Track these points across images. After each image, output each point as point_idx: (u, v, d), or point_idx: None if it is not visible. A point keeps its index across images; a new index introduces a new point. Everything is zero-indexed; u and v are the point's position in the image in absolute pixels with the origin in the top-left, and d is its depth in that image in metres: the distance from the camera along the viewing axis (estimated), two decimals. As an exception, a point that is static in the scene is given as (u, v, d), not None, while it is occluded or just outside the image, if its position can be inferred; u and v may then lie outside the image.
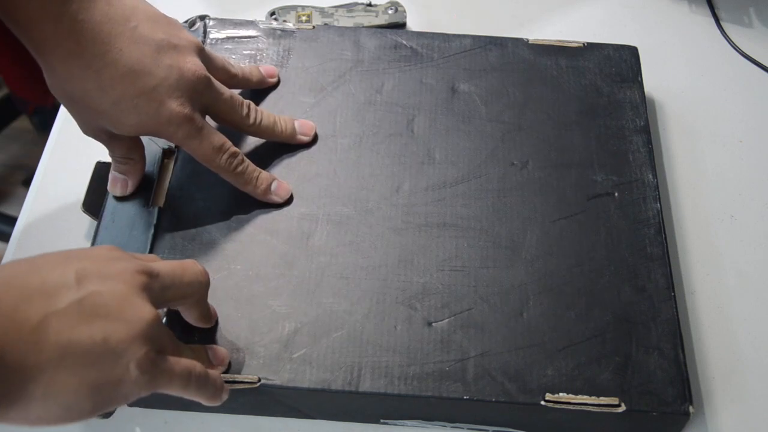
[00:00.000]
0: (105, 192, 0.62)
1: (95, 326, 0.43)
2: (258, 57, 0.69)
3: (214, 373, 0.50)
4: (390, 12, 0.77)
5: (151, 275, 0.47)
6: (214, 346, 0.54)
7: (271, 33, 0.71)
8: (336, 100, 0.67)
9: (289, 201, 0.61)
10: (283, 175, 0.63)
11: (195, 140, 0.58)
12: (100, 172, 0.63)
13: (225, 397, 0.51)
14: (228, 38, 0.70)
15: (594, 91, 0.68)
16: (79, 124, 0.58)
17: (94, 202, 0.61)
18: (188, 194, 0.62)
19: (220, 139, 0.59)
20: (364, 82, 0.68)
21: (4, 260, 0.63)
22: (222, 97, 0.60)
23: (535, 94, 0.68)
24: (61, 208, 0.66)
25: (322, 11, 0.77)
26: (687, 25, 0.81)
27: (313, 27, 0.71)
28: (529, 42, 0.71)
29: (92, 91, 0.54)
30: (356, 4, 0.78)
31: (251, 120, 0.62)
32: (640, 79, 0.69)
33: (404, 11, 0.77)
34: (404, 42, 0.71)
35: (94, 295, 0.43)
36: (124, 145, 0.60)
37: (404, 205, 0.61)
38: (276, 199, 0.61)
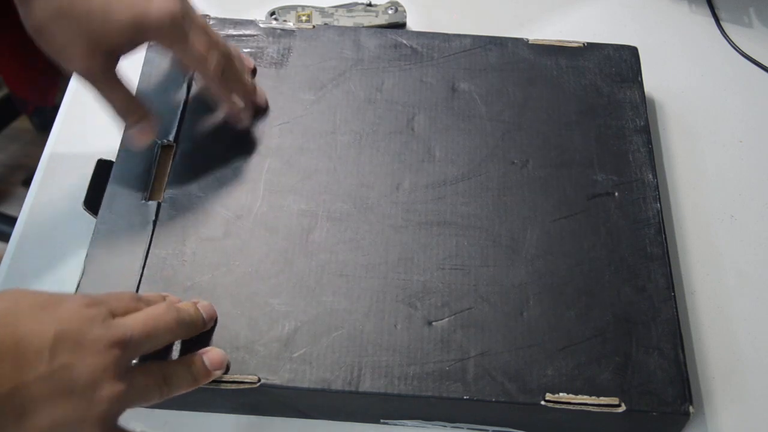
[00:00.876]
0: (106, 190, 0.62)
1: (58, 405, 0.43)
2: (258, 55, 0.69)
3: (195, 364, 0.51)
4: (390, 12, 0.77)
5: (125, 347, 0.46)
6: (211, 349, 0.53)
7: (271, 32, 0.71)
8: (336, 97, 0.67)
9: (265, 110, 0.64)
10: (283, 171, 0.63)
11: (184, 37, 0.57)
12: (102, 169, 0.63)
13: (212, 374, 0.52)
14: (228, 36, 0.70)
15: (594, 91, 0.68)
16: (67, 54, 0.56)
17: (95, 199, 0.61)
18: (187, 189, 0.61)
19: (208, 39, 0.59)
20: (364, 81, 0.68)
21: (4, 260, 0.64)
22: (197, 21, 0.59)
23: (535, 93, 0.68)
24: (61, 208, 0.66)
25: (322, 11, 0.77)
26: (687, 25, 0.81)
27: (313, 27, 0.71)
28: (529, 42, 0.71)
29: None
30: (356, 4, 0.78)
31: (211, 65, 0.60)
32: (640, 79, 0.69)
33: (404, 11, 0.77)
34: (404, 41, 0.71)
35: (63, 368, 0.43)
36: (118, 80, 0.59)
37: (404, 203, 0.61)
38: (259, 101, 0.64)
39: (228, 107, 0.63)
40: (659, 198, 0.62)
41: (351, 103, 0.67)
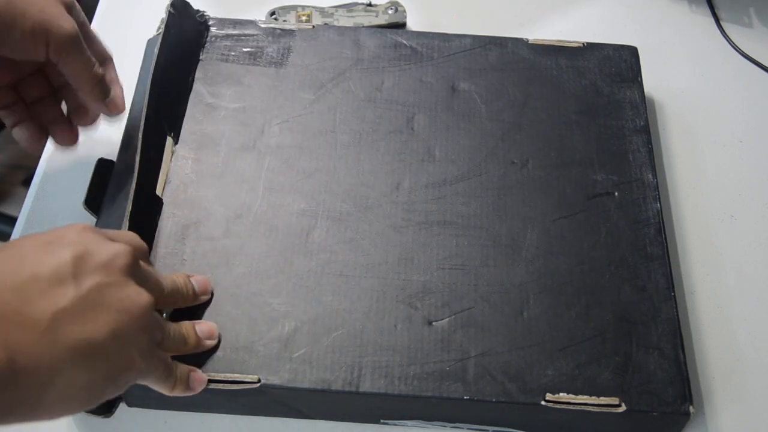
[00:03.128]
0: (106, 189, 0.61)
1: (101, 320, 0.44)
2: (258, 55, 0.69)
3: (180, 366, 0.51)
4: (390, 12, 0.77)
5: (135, 256, 0.48)
6: (202, 321, 0.55)
7: (271, 32, 0.71)
8: (336, 96, 0.67)
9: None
10: (282, 170, 0.63)
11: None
12: (102, 169, 0.63)
13: (195, 389, 0.52)
14: (228, 36, 0.70)
15: (594, 91, 0.68)
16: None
17: (96, 199, 0.61)
18: (187, 188, 0.61)
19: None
20: (364, 80, 0.68)
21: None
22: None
23: (535, 93, 0.68)
24: (61, 208, 0.66)
25: (322, 11, 0.76)
26: (687, 25, 0.81)
27: (313, 27, 0.71)
28: (529, 42, 0.71)
29: None
30: (356, 4, 0.78)
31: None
32: (639, 79, 0.69)
33: (404, 11, 0.77)
34: (404, 41, 0.71)
35: (94, 288, 0.44)
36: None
37: (404, 203, 0.61)
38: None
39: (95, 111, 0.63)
40: (659, 198, 0.62)
41: (351, 102, 0.67)
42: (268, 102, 0.66)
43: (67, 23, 0.55)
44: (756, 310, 0.63)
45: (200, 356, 0.54)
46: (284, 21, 0.75)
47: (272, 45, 0.70)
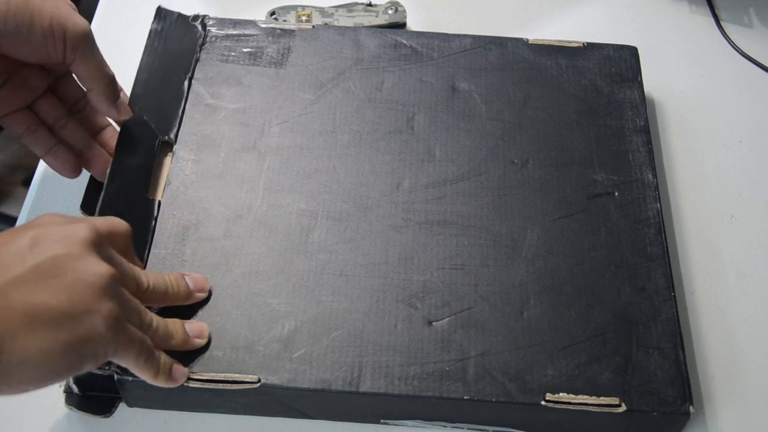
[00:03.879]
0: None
1: (56, 287, 0.44)
2: (258, 54, 0.69)
3: (163, 355, 0.51)
4: (390, 12, 0.77)
5: (98, 233, 0.48)
6: (193, 321, 0.55)
7: (270, 32, 0.71)
8: (336, 96, 0.67)
9: None
10: (282, 170, 0.63)
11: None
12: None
13: (177, 380, 0.52)
14: (227, 36, 0.70)
15: (594, 91, 0.68)
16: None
17: (93, 202, 0.61)
18: (186, 189, 0.61)
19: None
20: (364, 80, 0.68)
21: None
22: None
23: (535, 93, 0.68)
24: (61, 209, 0.66)
25: (322, 11, 0.76)
26: (687, 25, 0.81)
27: (313, 27, 0.71)
28: (529, 42, 0.71)
29: None
30: (356, 4, 0.78)
31: None
32: (639, 79, 0.69)
33: (404, 11, 0.77)
34: (404, 41, 0.71)
35: (49, 258, 0.44)
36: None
37: (404, 203, 0.61)
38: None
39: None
40: (659, 198, 0.62)
41: (351, 102, 0.67)
42: (268, 102, 0.66)
43: (80, 20, 0.56)
44: (756, 310, 0.63)
45: (199, 356, 0.54)
46: (284, 21, 0.75)
47: (272, 45, 0.70)
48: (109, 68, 0.59)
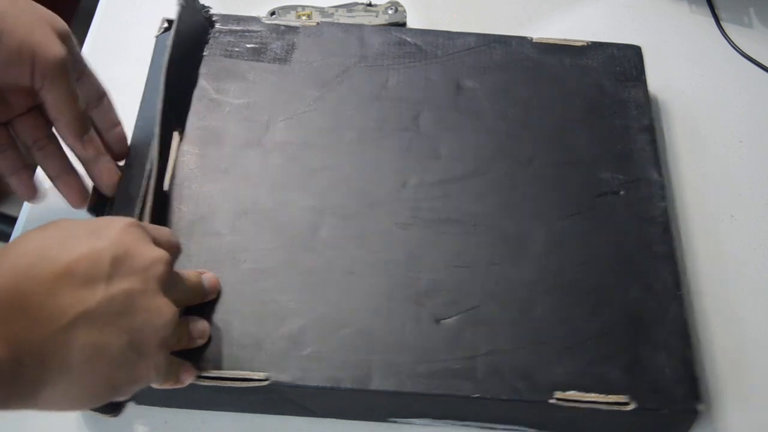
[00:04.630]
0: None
1: (123, 328, 0.43)
2: (262, 51, 0.68)
3: (176, 363, 0.51)
4: (390, 12, 0.77)
5: (171, 265, 0.48)
6: (196, 318, 0.54)
7: (274, 28, 0.70)
8: (340, 93, 0.66)
9: None
10: (287, 167, 0.62)
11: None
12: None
13: (184, 382, 0.52)
14: (231, 32, 0.69)
15: (598, 90, 0.68)
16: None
17: (100, 203, 0.61)
18: (192, 185, 0.61)
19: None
20: (368, 77, 0.67)
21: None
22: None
23: (540, 92, 0.68)
24: (61, 209, 0.65)
25: (322, 11, 0.76)
26: (687, 25, 0.81)
27: (317, 23, 0.71)
28: (533, 40, 0.71)
29: None
30: (356, 4, 0.77)
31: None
32: (644, 78, 0.69)
33: (404, 11, 0.77)
34: (408, 39, 0.70)
35: (124, 292, 0.44)
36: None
37: (411, 201, 0.61)
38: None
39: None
40: (665, 197, 0.63)
41: (355, 99, 0.66)
42: (272, 98, 0.66)
43: (55, 48, 0.53)
44: (762, 310, 0.63)
45: (207, 354, 0.53)
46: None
47: (276, 41, 0.69)
48: (81, 102, 0.56)
